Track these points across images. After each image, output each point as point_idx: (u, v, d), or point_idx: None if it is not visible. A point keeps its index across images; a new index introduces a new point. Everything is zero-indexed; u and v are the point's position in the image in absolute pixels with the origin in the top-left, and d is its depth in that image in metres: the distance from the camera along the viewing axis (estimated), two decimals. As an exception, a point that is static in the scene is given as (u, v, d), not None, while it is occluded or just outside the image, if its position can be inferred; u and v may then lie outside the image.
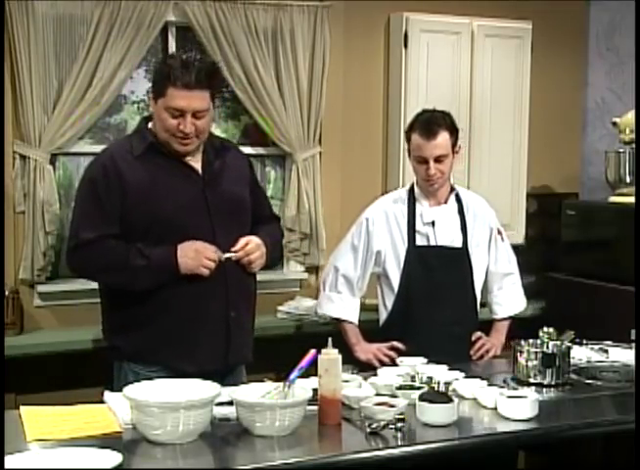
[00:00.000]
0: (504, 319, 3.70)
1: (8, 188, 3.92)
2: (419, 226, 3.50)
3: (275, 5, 4.32)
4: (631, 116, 4.44)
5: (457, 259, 3.52)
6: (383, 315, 3.59)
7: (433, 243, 3.50)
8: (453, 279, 3.50)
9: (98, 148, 4.09)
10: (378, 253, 3.53)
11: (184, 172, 2.94)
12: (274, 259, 3.20)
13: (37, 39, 3.87)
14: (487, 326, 3.67)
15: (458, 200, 3.57)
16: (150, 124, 2.97)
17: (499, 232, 3.65)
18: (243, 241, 2.94)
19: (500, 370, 3.17)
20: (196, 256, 2.84)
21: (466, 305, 3.55)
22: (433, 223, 3.49)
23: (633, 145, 4.44)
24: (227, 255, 2.90)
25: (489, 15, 4.80)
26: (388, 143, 4.72)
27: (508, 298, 3.70)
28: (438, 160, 3.39)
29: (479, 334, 3.58)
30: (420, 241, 3.50)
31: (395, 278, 3.51)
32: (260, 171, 4.53)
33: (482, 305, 3.67)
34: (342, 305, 3.59)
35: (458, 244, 3.52)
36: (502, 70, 4.81)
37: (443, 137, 3.38)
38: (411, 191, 3.56)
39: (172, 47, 4.30)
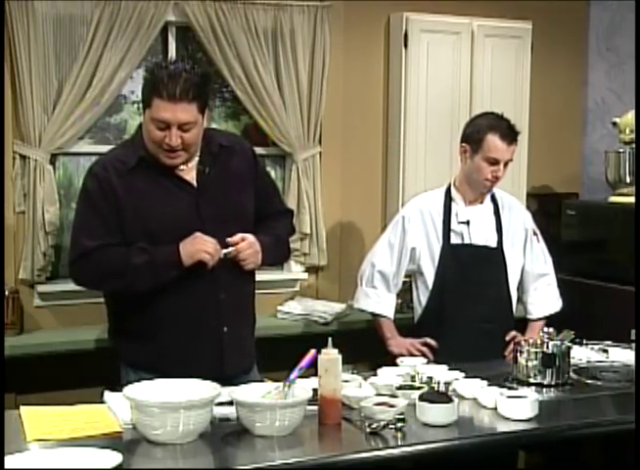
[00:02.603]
0: (539, 319, 3.73)
1: (8, 188, 3.92)
2: (454, 225, 3.57)
3: (275, 5, 4.33)
4: (631, 116, 4.44)
5: (491, 258, 3.58)
6: (417, 312, 3.66)
7: (467, 241, 3.57)
8: (487, 278, 3.56)
9: (98, 148, 4.12)
10: (412, 250, 3.60)
11: (176, 185, 2.89)
12: (277, 257, 3.18)
13: (37, 39, 3.87)
14: (525, 324, 3.72)
15: (494, 200, 3.64)
16: None
17: (535, 233, 3.72)
18: (238, 236, 2.90)
19: (500, 370, 3.17)
20: (195, 242, 2.80)
21: (500, 303, 3.60)
22: (467, 222, 3.56)
23: (633, 145, 4.43)
24: (225, 250, 2.86)
25: (489, 15, 4.80)
26: (388, 143, 4.72)
27: (543, 298, 3.74)
28: (506, 164, 3.51)
29: (513, 333, 3.60)
30: (455, 239, 3.57)
31: (430, 275, 3.58)
32: (261, 171, 4.52)
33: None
34: (377, 300, 3.66)
35: (493, 243, 3.58)
36: (502, 70, 4.81)
37: (515, 145, 3.53)
38: (447, 191, 3.63)
39: (172, 47, 4.31)
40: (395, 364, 3.14)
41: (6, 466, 2.09)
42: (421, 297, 3.63)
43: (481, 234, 3.58)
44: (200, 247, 2.81)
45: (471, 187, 3.58)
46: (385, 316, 3.67)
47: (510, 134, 3.49)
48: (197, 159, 2.94)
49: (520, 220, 3.69)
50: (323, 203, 4.54)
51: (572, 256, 4.58)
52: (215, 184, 2.94)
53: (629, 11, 4.92)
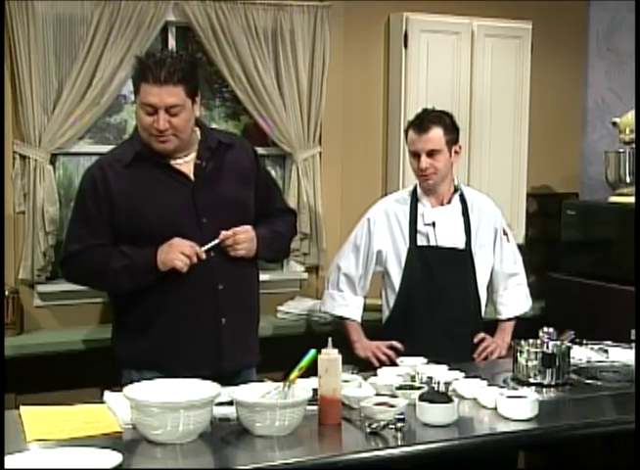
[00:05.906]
0: (509, 320, 3.70)
1: (8, 188, 3.92)
2: (420, 226, 3.53)
3: (275, 5, 4.32)
4: (631, 116, 4.44)
5: (458, 260, 3.53)
6: (385, 314, 3.63)
7: (433, 243, 3.52)
8: (454, 280, 3.51)
9: (98, 148, 4.12)
10: (379, 252, 3.57)
11: (172, 177, 2.92)
12: (274, 252, 3.17)
13: (37, 39, 3.87)
14: (494, 326, 3.68)
15: (462, 200, 3.58)
16: None
17: (505, 232, 3.67)
18: (231, 230, 2.91)
19: (500, 370, 3.17)
20: (170, 249, 2.83)
21: (467, 305, 3.55)
22: (433, 224, 3.51)
23: (633, 145, 4.43)
24: (206, 247, 2.86)
25: (489, 15, 4.80)
26: (388, 143, 4.72)
27: (513, 298, 3.70)
28: (431, 154, 3.45)
29: (481, 335, 3.58)
30: (421, 241, 3.52)
31: (396, 278, 3.54)
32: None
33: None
34: (343, 303, 3.64)
35: (461, 245, 3.53)
36: (502, 70, 4.80)
37: (436, 132, 3.45)
38: (414, 192, 3.59)
39: (172, 47, 4.30)
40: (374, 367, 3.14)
41: (6, 466, 2.09)
42: (389, 298, 3.60)
43: (448, 236, 3.53)
44: (172, 256, 2.82)
45: (421, 186, 3.56)
46: (351, 319, 3.63)
47: (421, 124, 3.46)
48: (194, 154, 2.96)
49: (489, 220, 3.62)
50: (323, 203, 4.54)
51: (572, 256, 4.58)
52: (212, 177, 2.96)
53: (629, 11, 4.92)
